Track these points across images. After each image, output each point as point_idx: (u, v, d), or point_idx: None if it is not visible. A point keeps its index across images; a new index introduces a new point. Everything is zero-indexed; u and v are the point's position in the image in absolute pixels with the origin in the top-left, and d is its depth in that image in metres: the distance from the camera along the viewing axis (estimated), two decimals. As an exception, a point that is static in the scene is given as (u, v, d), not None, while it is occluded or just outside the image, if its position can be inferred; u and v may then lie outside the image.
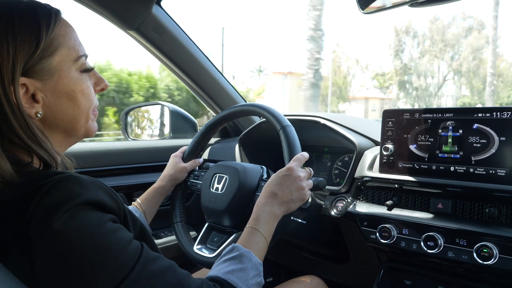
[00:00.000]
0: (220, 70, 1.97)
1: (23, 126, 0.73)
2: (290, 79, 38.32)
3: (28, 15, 0.75)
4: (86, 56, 0.85)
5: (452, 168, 1.22)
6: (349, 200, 1.42)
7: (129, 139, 2.21)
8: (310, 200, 1.26)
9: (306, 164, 1.19)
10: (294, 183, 1.10)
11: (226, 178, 1.34)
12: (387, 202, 1.30)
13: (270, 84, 41.45)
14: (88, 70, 0.85)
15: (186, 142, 1.90)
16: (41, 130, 0.77)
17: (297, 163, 1.14)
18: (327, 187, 1.47)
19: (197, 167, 1.54)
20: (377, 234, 1.29)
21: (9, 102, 0.71)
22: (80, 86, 0.82)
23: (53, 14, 0.78)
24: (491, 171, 1.15)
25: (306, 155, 1.19)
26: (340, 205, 1.43)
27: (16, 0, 0.77)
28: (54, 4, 0.82)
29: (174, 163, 1.48)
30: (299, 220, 1.39)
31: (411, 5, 1.08)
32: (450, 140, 1.22)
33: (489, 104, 24.56)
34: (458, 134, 1.21)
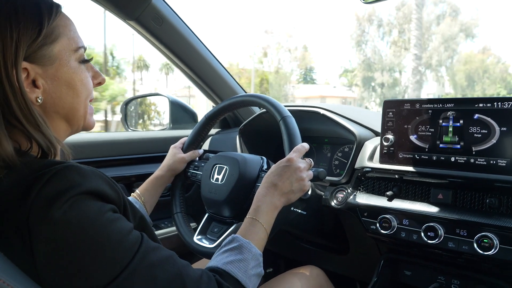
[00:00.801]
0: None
1: (23, 109, 0.74)
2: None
3: (31, 4, 0.77)
4: (85, 48, 0.87)
5: (452, 159, 1.21)
6: (349, 191, 1.42)
7: (129, 130, 2.21)
8: (310, 191, 1.26)
9: (306, 155, 1.19)
10: (294, 174, 1.10)
11: (226, 169, 1.34)
12: (388, 193, 1.30)
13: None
14: (86, 61, 0.88)
15: (185, 133, 1.90)
16: (41, 116, 0.78)
17: (297, 154, 1.14)
18: (327, 178, 1.47)
19: (197, 158, 1.53)
20: (377, 225, 1.29)
21: (11, 85, 0.72)
22: (79, 76, 0.85)
23: (54, 6, 0.81)
24: (491, 162, 1.14)
25: (306, 146, 1.18)
26: (340, 196, 1.43)
27: None
28: None
29: (173, 153, 1.48)
30: (299, 211, 1.39)
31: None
32: (450, 130, 1.22)
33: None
34: (458, 124, 1.20)
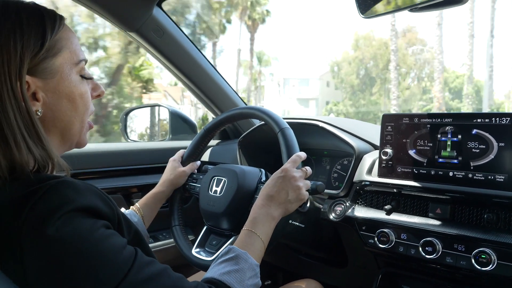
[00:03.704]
0: None
1: (26, 122, 0.74)
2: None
3: (35, 16, 0.77)
4: (86, 61, 0.87)
5: (451, 173, 1.22)
6: (347, 204, 1.42)
7: (129, 141, 2.21)
8: (308, 204, 1.26)
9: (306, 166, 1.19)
10: (289, 184, 1.10)
11: (224, 181, 1.34)
12: (386, 207, 1.30)
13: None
14: (86, 74, 0.87)
15: (185, 144, 1.90)
16: (42, 129, 0.78)
17: (292, 163, 1.14)
18: (326, 190, 1.47)
19: (195, 170, 1.53)
20: (376, 239, 1.29)
21: (15, 98, 0.72)
22: (80, 89, 0.85)
23: (57, 18, 0.81)
24: (490, 177, 1.14)
25: (302, 155, 1.18)
26: (338, 209, 1.43)
27: (24, 2, 0.79)
28: (58, 5, 0.85)
29: (173, 167, 1.47)
30: (297, 224, 1.39)
31: (411, 10, 1.09)
32: (449, 145, 1.22)
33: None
34: (457, 139, 1.21)
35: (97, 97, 0.93)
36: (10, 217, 0.66)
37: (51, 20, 0.79)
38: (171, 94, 30.03)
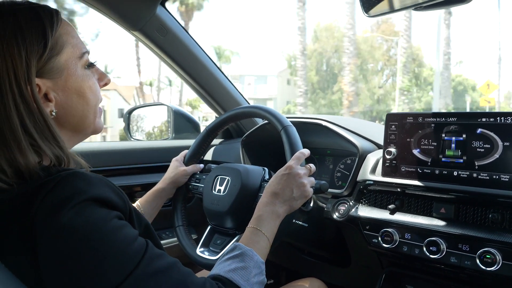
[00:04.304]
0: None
1: (40, 125, 0.74)
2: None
3: (32, 17, 0.77)
4: (88, 53, 0.87)
5: (455, 173, 1.21)
6: (351, 203, 1.41)
7: (132, 139, 2.21)
8: (312, 203, 1.25)
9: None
10: (294, 181, 1.09)
11: (228, 180, 1.34)
12: (390, 206, 1.29)
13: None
14: (91, 65, 0.88)
15: (188, 143, 1.90)
16: (56, 129, 0.78)
17: (296, 161, 1.14)
18: (329, 190, 1.47)
19: (198, 171, 1.53)
20: (379, 238, 1.28)
21: (26, 103, 0.73)
22: (88, 82, 0.85)
23: (54, 14, 0.81)
24: (494, 176, 1.14)
25: (306, 152, 1.18)
26: (342, 208, 1.42)
27: (18, 2, 0.78)
28: (61, 5, 0.84)
29: (175, 166, 1.48)
30: (300, 223, 1.39)
31: (415, 9, 1.08)
32: (453, 144, 1.22)
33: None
34: (461, 138, 1.20)
35: (104, 85, 0.93)
36: (21, 209, 0.67)
37: (49, 17, 0.79)
38: (122, 94, 29.60)
